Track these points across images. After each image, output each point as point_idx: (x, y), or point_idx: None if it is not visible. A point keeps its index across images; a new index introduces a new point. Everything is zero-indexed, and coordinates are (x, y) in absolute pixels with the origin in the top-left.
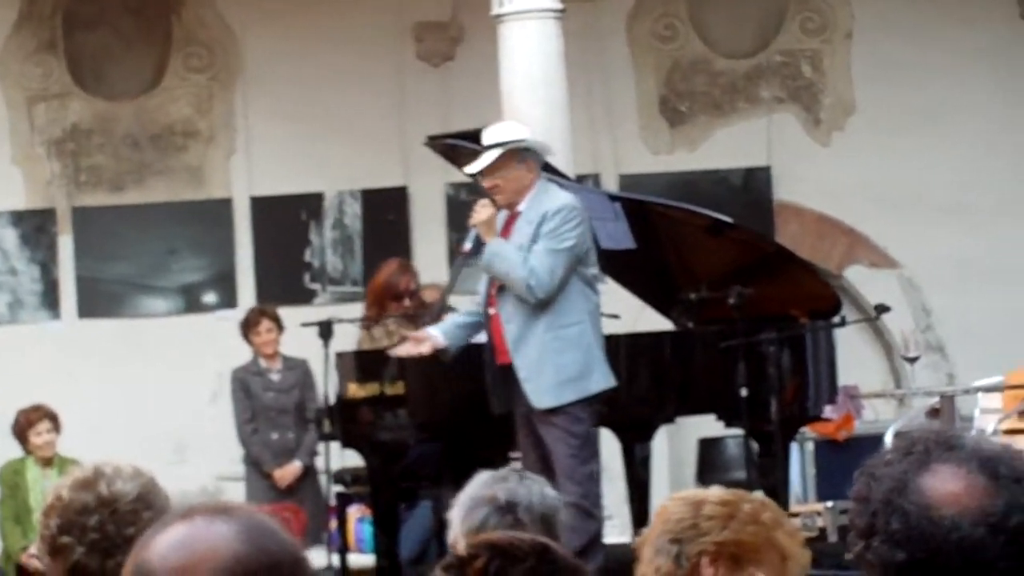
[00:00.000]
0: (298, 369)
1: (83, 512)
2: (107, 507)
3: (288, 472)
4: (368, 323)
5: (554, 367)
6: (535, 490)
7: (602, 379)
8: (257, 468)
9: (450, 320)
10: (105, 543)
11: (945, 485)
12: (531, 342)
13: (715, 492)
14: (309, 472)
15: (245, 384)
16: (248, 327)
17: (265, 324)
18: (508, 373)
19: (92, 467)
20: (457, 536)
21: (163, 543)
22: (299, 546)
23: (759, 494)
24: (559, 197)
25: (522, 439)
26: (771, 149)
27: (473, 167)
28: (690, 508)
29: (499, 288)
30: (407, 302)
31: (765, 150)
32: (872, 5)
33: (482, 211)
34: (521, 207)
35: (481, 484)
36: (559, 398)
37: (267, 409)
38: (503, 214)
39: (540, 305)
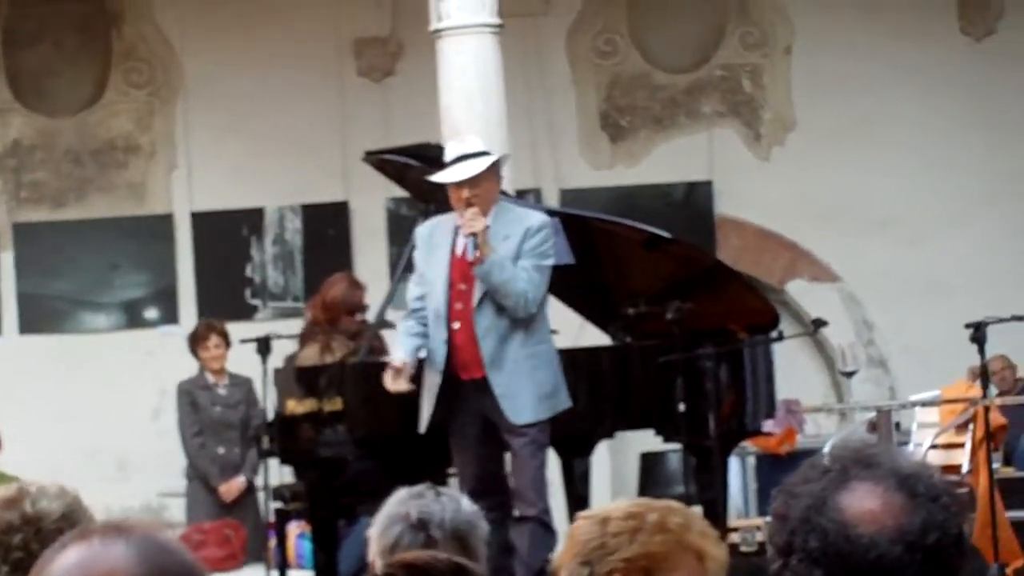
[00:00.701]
0: (244, 386)
1: (7, 531)
2: (32, 525)
3: (233, 487)
4: (315, 339)
5: (532, 383)
6: (449, 507)
7: (566, 398)
8: (202, 482)
9: (408, 340)
10: (29, 562)
11: (863, 503)
12: (508, 358)
13: (621, 506)
14: (251, 488)
15: (192, 397)
16: (196, 341)
17: (214, 339)
18: (470, 387)
19: (17, 486)
20: (374, 555)
21: (60, 565)
22: (198, 565)
23: (670, 503)
24: (533, 213)
25: (468, 454)
26: (712, 164)
27: (463, 174)
28: (597, 527)
29: (479, 302)
30: (358, 316)
31: (706, 165)
32: (812, 20)
33: (477, 221)
34: (488, 220)
35: (397, 501)
36: (536, 414)
37: (214, 423)
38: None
39: (518, 321)
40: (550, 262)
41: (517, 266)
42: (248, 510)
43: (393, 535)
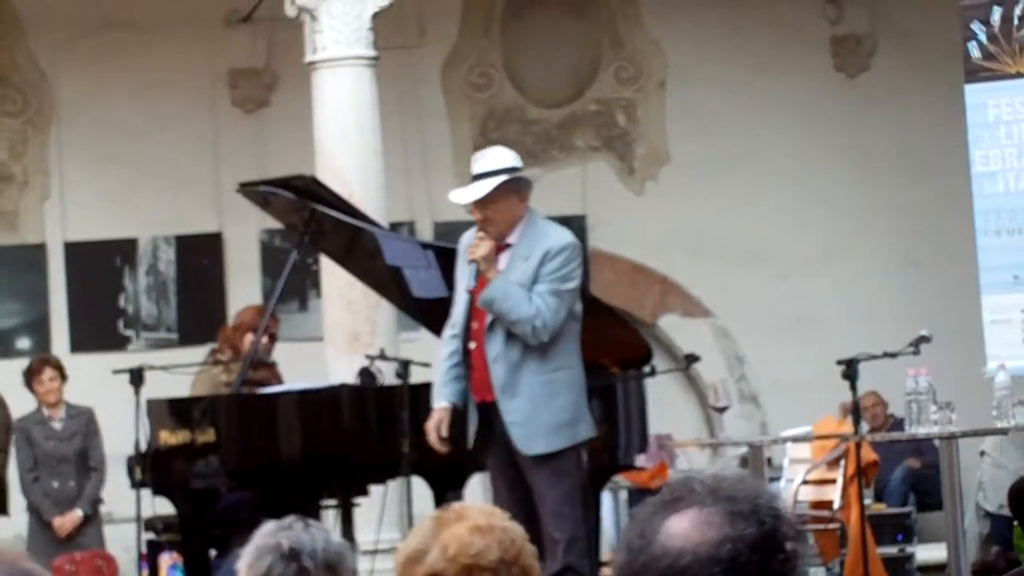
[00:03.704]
0: (81, 417)
1: None
2: None
3: (68, 521)
4: (219, 361)
5: (547, 412)
6: (319, 537)
7: (588, 427)
8: (38, 517)
9: (448, 385)
10: None
11: (678, 530)
12: (521, 385)
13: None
14: (92, 520)
15: (27, 433)
16: (31, 376)
17: (48, 372)
18: (488, 411)
19: None
20: None
21: None
22: None
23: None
24: (558, 234)
25: (496, 480)
26: (585, 198)
27: (468, 197)
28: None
29: (489, 325)
30: (265, 340)
31: (580, 199)
32: (686, 55)
33: (482, 246)
34: (511, 239)
35: (266, 533)
36: (550, 444)
37: (48, 457)
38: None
39: (533, 347)
40: (571, 285)
41: (533, 290)
42: (90, 541)
43: (264, 566)
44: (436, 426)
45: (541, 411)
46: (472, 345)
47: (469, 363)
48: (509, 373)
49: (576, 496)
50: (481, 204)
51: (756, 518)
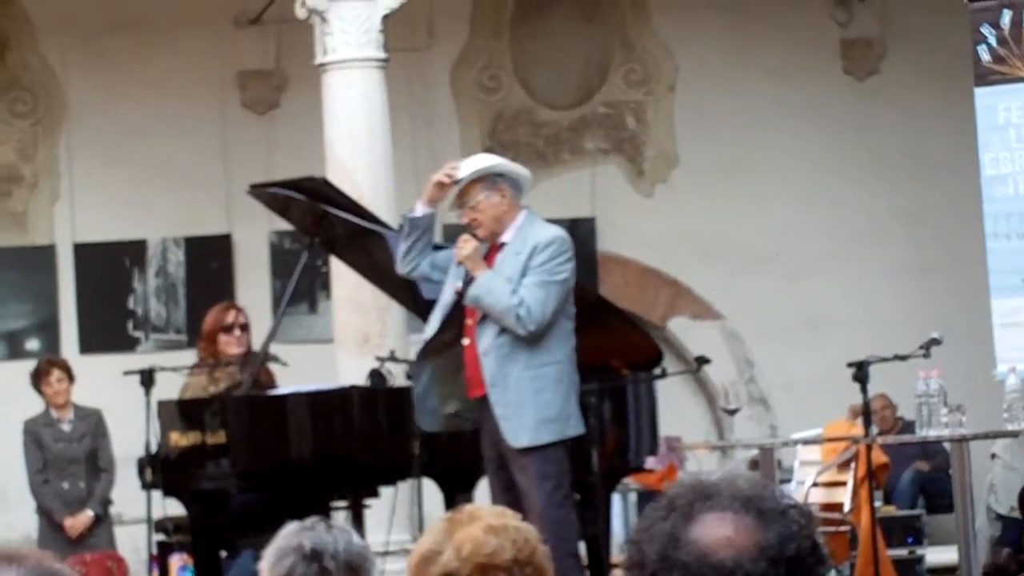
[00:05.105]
0: (90, 418)
1: None
2: None
3: (79, 521)
4: (202, 369)
5: (534, 406)
6: (341, 538)
7: (577, 423)
8: (48, 518)
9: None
10: None
11: (716, 531)
12: (510, 378)
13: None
14: (103, 521)
15: (36, 435)
16: (39, 377)
17: (56, 374)
18: (481, 406)
19: None
20: None
21: None
22: None
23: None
24: (549, 229)
25: (492, 480)
26: (595, 200)
27: (447, 205)
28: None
29: (479, 320)
30: (237, 333)
31: (589, 201)
32: (695, 58)
33: (465, 246)
34: (505, 238)
35: (288, 534)
36: (536, 438)
37: (57, 459)
38: (484, 247)
39: (522, 340)
40: (560, 278)
41: (522, 283)
42: (101, 542)
43: (286, 566)
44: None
45: (528, 405)
46: (466, 342)
47: (466, 359)
48: (499, 366)
49: (558, 499)
50: (464, 206)
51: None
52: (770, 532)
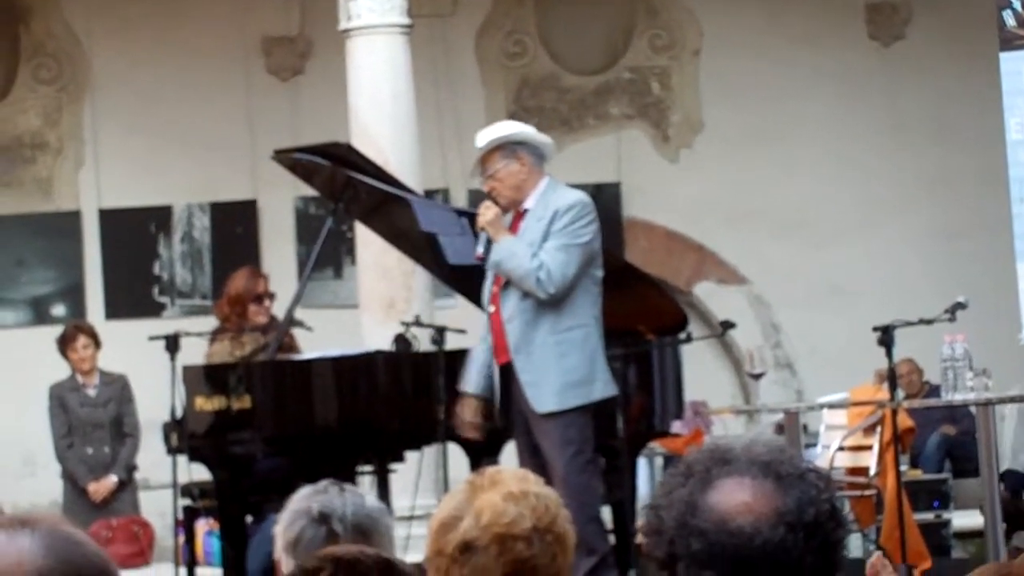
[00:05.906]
0: (115, 384)
1: None
2: None
3: (103, 486)
4: (226, 334)
5: (558, 371)
6: (351, 501)
7: (604, 387)
8: (72, 483)
9: (474, 372)
10: None
11: (734, 496)
12: (534, 343)
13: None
14: (127, 486)
15: (62, 400)
16: (65, 343)
17: (82, 340)
18: (507, 372)
19: None
20: (279, 550)
21: None
22: (105, 558)
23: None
24: (571, 193)
25: (519, 443)
26: (620, 165)
27: (472, 175)
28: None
29: (503, 286)
30: (267, 303)
31: (614, 166)
32: (720, 23)
33: (487, 212)
34: (528, 204)
35: (300, 497)
36: (562, 403)
37: (82, 424)
38: (509, 216)
39: (546, 304)
40: (581, 241)
41: (542, 247)
42: (124, 507)
43: (296, 530)
44: (463, 412)
45: (552, 370)
46: (491, 309)
47: (492, 327)
48: (523, 332)
49: (580, 464)
50: (485, 175)
51: (798, 474)
52: (788, 497)
